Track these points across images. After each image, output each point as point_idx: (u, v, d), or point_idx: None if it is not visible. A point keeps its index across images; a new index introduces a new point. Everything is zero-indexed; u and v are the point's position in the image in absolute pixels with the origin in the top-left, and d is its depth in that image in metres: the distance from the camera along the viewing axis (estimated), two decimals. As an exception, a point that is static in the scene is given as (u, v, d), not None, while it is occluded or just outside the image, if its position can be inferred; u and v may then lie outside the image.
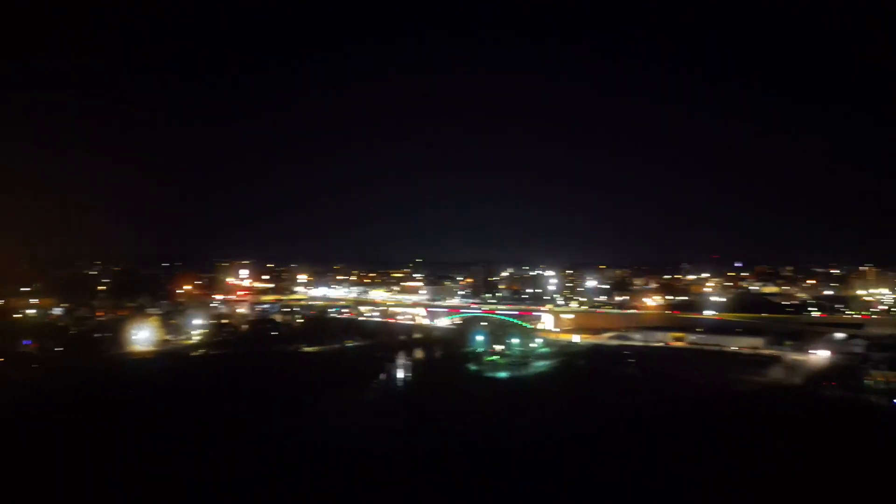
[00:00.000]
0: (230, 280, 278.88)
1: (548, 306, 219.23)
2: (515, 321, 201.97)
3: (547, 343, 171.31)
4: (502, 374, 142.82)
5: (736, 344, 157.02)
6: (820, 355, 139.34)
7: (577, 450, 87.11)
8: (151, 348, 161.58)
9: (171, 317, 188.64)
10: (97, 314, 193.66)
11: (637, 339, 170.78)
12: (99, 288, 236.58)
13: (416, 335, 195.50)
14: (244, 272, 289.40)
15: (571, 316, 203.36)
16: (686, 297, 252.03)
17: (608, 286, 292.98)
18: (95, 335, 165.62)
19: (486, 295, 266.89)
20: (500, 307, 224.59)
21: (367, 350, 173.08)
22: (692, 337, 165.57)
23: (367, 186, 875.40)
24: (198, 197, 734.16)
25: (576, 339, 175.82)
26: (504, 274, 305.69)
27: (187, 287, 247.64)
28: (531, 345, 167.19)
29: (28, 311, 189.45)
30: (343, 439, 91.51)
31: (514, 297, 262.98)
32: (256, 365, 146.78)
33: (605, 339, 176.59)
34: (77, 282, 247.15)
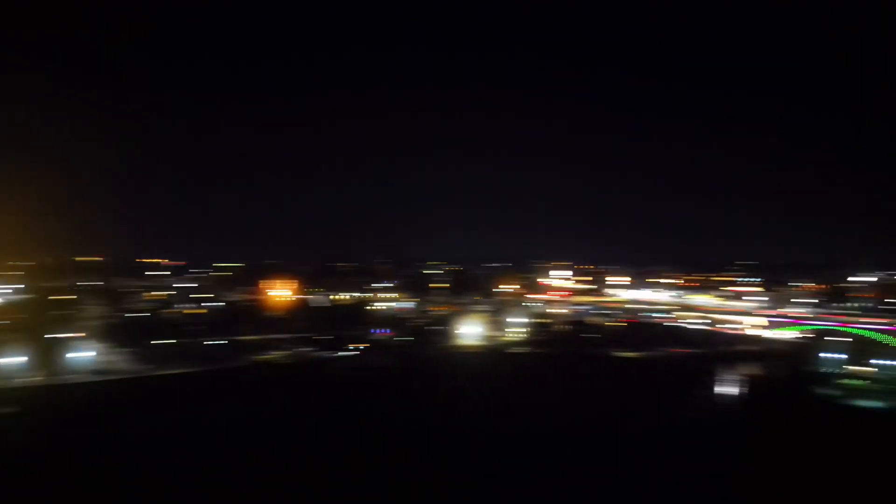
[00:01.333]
0: (547, 281, 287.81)
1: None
2: (882, 338, 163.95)
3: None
4: (870, 404, 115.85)
5: None
6: None
7: None
8: (477, 342, 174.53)
9: (494, 314, 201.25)
10: (434, 309, 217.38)
11: None
12: (436, 286, 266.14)
13: (748, 347, 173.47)
14: (561, 273, 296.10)
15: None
16: None
17: None
18: (432, 327, 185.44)
19: (839, 304, 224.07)
20: (860, 319, 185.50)
21: (690, 360, 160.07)
22: None
23: (680, 186, 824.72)
24: (514, 199, 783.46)
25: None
26: (861, 279, 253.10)
27: (509, 286, 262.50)
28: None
29: (382, 305, 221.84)
30: (657, 457, 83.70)
31: (879, 307, 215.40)
32: (573, 366, 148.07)
33: None
34: (420, 280, 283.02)
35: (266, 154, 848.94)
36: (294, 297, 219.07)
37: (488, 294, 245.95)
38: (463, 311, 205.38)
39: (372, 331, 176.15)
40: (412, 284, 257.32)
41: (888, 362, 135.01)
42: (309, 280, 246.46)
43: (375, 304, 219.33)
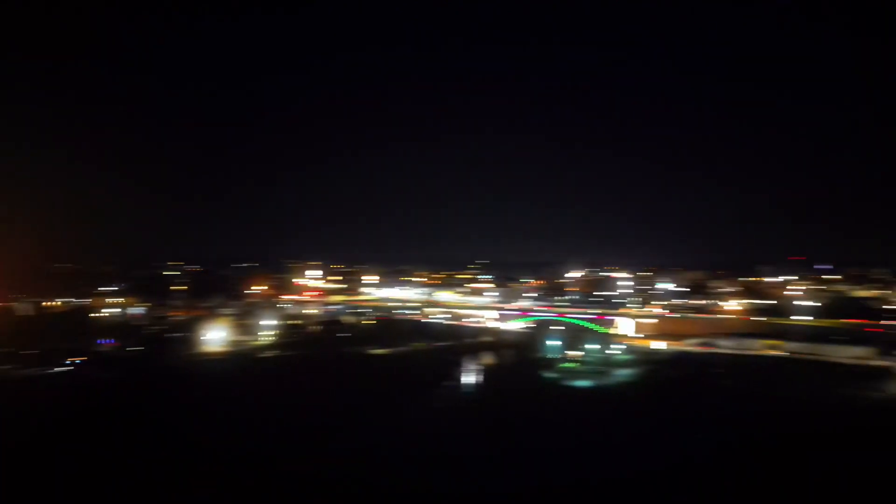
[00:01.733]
0: (299, 281, 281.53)
1: (625, 310, 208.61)
2: (590, 325, 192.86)
3: (627, 350, 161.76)
4: (582, 383, 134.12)
5: (840, 353, 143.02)
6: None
7: (671, 470, 78.61)
8: (223, 348, 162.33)
9: (243, 317, 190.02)
10: (173, 314, 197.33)
11: (727, 347, 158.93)
12: (176, 288, 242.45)
13: (486, 338, 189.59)
14: (313, 273, 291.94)
15: (652, 321, 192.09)
16: (769, 301, 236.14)
17: (684, 289, 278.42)
18: (171, 335, 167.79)
19: (557, 297, 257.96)
20: (573, 310, 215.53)
21: (436, 353, 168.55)
22: (790, 345, 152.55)
23: (431, 186, 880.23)
24: (267, 198, 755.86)
25: (658, 345, 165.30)
26: (573, 275, 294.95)
27: (259, 288, 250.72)
28: (610, 351, 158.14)
29: (108, 311, 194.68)
30: (413, 447, 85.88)
31: (586, 299, 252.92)
32: (325, 367, 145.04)
33: (690, 345, 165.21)
34: (155, 282, 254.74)
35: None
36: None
37: (237, 296, 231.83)
38: (208, 315, 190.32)
39: (96, 341, 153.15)
40: (146, 287, 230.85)
41: (594, 346, 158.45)
42: (11, 285, 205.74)
43: (100, 310, 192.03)
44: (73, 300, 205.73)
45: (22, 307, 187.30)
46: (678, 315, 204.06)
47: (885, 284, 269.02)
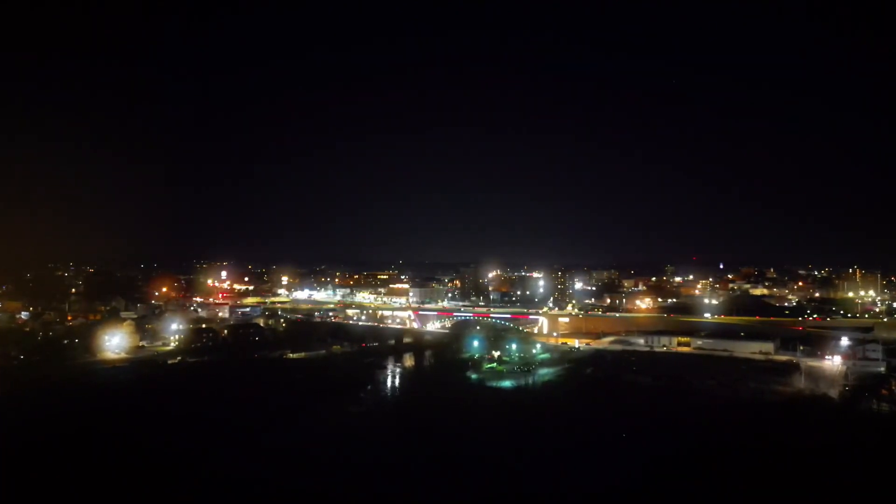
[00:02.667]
0: (210, 282, 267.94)
1: (543, 309, 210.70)
2: (509, 325, 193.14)
3: (546, 349, 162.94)
4: (507, 384, 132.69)
5: (745, 349, 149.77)
6: (836, 361, 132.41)
7: (598, 473, 78.55)
8: (125, 355, 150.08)
9: (148, 321, 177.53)
10: (67, 318, 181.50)
11: (640, 344, 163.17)
12: (71, 290, 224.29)
13: (407, 340, 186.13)
14: (224, 274, 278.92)
15: (567, 320, 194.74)
16: (677, 300, 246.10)
17: (596, 288, 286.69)
18: (64, 341, 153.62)
19: (476, 298, 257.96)
20: (492, 310, 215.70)
21: (356, 356, 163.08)
22: (699, 342, 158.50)
23: (348, 188, 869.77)
24: (178, 197, 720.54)
25: (576, 344, 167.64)
26: (491, 276, 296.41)
27: (165, 289, 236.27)
28: (531, 351, 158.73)
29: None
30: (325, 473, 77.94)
31: (504, 299, 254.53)
32: (237, 374, 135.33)
33: (605, 343, 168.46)
34: (48, 284, 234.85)
35: None
36: None
37: (141, 298, 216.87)
38: (105, 319, 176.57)
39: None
40: (36, 290, 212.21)
41: (515, 346, 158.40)
42: None
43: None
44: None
45: None
46: (593, 314, 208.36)
47: (777, 283, 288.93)
